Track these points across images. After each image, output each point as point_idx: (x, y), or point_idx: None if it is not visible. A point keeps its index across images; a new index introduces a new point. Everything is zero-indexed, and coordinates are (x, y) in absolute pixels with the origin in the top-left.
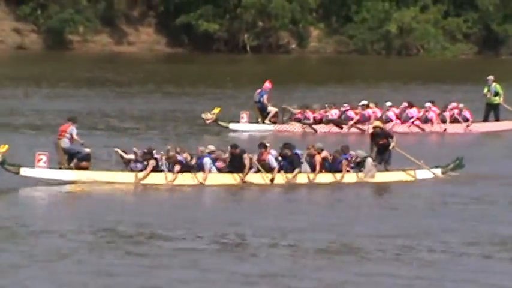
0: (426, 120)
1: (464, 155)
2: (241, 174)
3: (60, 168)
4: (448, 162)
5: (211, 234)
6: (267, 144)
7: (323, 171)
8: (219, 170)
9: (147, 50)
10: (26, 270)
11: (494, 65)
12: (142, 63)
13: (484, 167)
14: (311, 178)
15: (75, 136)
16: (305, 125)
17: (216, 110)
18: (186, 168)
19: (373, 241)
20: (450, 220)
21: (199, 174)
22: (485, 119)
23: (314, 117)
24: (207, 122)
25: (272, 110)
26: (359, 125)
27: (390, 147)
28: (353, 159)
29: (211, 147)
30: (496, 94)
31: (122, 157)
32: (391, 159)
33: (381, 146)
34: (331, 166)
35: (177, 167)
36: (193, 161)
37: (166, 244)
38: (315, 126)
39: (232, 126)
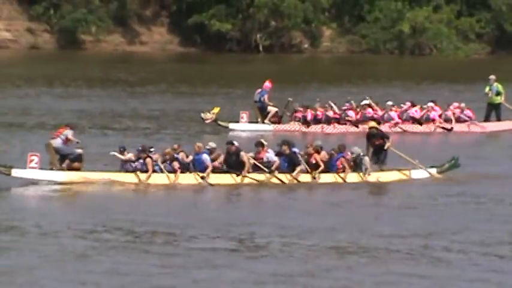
0: (428, 120)
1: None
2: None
3: (51, 169)
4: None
5: (224, 233)
6: (264, 143)
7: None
8: (214, 170)
9: (159, 50)
10: (40, 270)
11: (507, 64)
12: (155, 63)
13: (488, 167)
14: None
15: (70, 137)
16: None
17: (216, 110)
18: (182, 167)
19: (386, 241)
20: (461, 220)
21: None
22: (487, 119)
23: (315, 116)
24: (207, 121)
25: (272, 110)
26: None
27: (385, 148)
28: (349, 157)
29: (212, 144)
30: (498, 94)
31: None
32: (387, 159)
33: (377, 147)
34: (327, 164)
35: (176, 164)
36: (189, 159)
37: (180, 243)
38: (314, 126)
39: (232, 126)
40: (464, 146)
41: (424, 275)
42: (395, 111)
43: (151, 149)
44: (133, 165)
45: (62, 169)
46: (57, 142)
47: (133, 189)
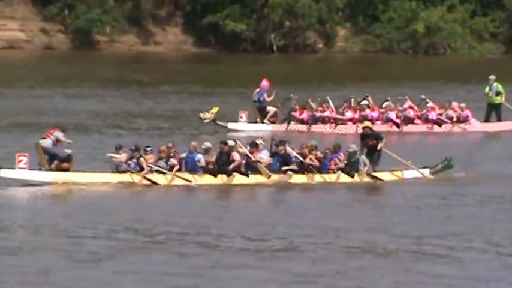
0: (427, 120)
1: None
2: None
3: (40, 169)
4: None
5: (251, 233)
6: (258, 143)
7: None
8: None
9: (174, 50)
10: (64, 271)
11: None
12: (169, 63)
13: (491, 166)
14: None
15: (61, 138)
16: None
17: (215, 110)
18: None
19: (402, 241)
20: (470, 220)
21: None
22: (487, 119)
23: (313, 116)
24: (205, 121)
25: (271, 109)
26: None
27: (378, 148)
28: (342, 158)
29: (208, 144)
30: (498, 94)
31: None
32: (380, 159)
33: (371, 147)
34: (320, 164)
35: (173, 161)
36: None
37: (206, 244)
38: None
39: (231, 125)
40: (470, 146)
41: (440, 274)
42: (395, 111)
43: (148, 148)
44: (125, 165)
45: (50, 169)
46: (46, 142)
47: (134, 189)
